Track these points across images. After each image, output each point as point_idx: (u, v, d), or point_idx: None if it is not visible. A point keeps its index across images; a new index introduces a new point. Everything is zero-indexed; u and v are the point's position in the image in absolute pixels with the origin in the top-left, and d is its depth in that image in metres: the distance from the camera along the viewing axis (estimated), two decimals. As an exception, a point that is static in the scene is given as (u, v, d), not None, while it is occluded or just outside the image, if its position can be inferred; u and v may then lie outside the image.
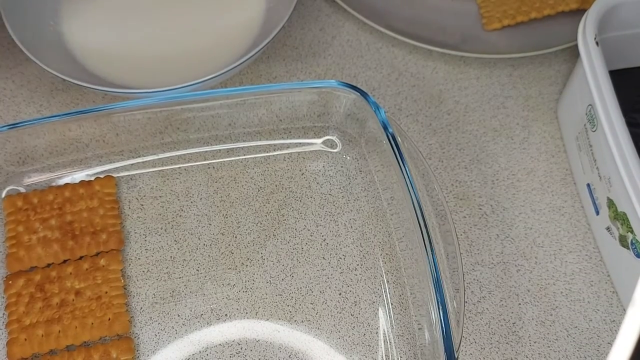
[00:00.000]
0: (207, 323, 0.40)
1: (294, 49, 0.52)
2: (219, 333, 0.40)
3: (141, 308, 0.40)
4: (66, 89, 0.49)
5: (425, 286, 0.37)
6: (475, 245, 0.44)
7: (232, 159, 0.46)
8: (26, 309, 0.39)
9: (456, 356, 0.34)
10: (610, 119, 0.38)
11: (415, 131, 0.49)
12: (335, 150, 0.47)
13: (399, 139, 0.40)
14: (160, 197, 0.44)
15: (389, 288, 0.42)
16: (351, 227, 0.44)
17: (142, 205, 0.44)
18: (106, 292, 0.40)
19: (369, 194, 0.45)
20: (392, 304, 0.41)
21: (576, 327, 0.42)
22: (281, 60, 0.51)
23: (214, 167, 0.46)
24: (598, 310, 0.42)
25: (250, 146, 0.46)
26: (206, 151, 0.46)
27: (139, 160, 0.45)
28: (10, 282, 0.40)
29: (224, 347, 0.39)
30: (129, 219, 0.44)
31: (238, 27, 0.50)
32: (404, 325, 0.40)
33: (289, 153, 0.46)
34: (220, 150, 0.46)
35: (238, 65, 0.44)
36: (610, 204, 0.40)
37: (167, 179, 0.45)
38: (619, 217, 0.39)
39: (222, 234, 0.43)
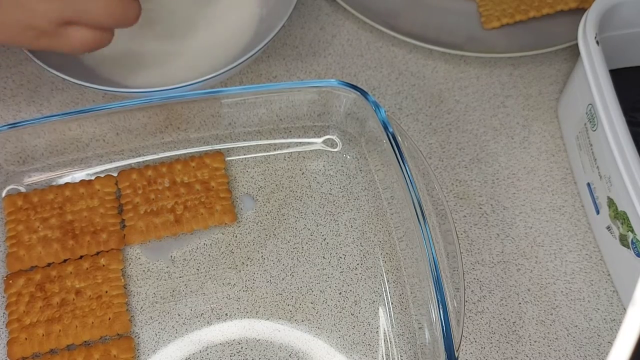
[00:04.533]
0: (208, 322, 0.40)
1: (294, 48, 0.52)
2: (219, 332, 0.40)
3: (141, 307, 0.40)
4: (66, 88, 0.49)
5: (426, 285, 0.37)
6: (476, 245, 0.44)
7: (232, 158, 0.46)
8: (26, 308, 0.39)
9: (456, 355, 0.34)
10: (611, 118, 0.38)
11: (416, 130, 0.49)
12: (335, 150, 0.47)
13: (399, 138, 0.40)
14: (160, 196, 0.44)
15: (389, 287, 0.42)
16: (351, 226, 0.44)
17: (142, 204, 0.44)
18: (106, 292, 0.40)
19: (369, 193, 0.45)
20: (392, 303, 0.41)
21: (576, 326, 0.42)
22: (281, 60, 0.51)
23: (214, 167, 0.46)
24: (598, 309, 0.42)
25: (251, 146, 0.46)
26: (206, 151, 0.46)
27: (140, 159, 0.45)
28: (10, 281, 0.40)
29: (224, 346, 0.39)
30: (129, 218, 0.43)
31: (238, 26, 0.50)
32: (404, 325, 0.40)
33: (289, 152, 0.46)
34: (220, 149, 0.46)
35: (238, 64, 0.44)
36: (611, 203, 0.40)
37: (167, 179, 0.45)
38: (619, 217, 0.39)
39: (222, 233, 0.43)
